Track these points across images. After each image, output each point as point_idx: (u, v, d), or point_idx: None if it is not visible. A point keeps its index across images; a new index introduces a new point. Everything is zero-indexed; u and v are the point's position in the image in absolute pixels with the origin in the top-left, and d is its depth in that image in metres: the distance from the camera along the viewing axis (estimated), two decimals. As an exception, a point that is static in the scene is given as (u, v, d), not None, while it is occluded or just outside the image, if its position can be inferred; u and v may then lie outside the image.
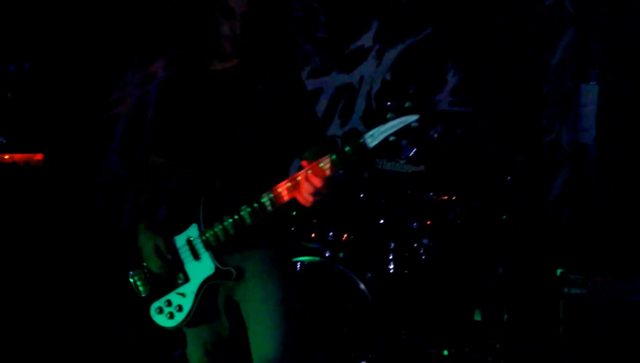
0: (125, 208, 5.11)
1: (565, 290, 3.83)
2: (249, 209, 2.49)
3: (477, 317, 4.06)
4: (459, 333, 4.07)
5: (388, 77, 5.18)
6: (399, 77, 5.16)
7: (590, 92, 4.75)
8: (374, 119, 2.32)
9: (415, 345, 4.01)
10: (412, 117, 2.29)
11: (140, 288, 2.66)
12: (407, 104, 2.30)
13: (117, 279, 2.82)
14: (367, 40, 5.23)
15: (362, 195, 4.08)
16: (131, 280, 2.67)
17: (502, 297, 3.91)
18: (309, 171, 2.38)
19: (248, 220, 2.50)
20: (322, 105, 5.24)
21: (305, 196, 2.40)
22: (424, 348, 4.04)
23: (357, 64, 5.25)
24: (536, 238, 4.55)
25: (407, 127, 2.29)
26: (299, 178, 2.40)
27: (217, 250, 2.56)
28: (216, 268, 2.56)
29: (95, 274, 4.47)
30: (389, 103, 2.31)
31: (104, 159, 5.25)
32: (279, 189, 2.45)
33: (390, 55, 5.19)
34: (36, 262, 4.29)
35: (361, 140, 2.31)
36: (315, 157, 2.43)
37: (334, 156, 2.36)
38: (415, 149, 4.02)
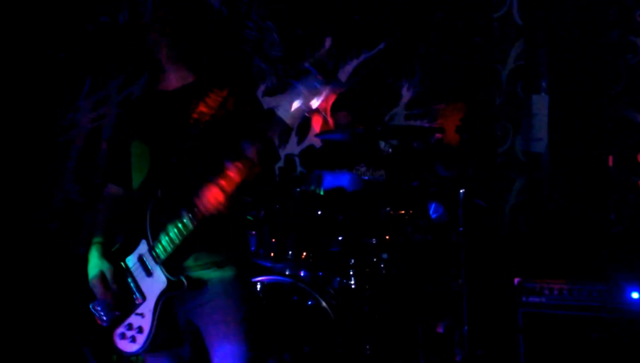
0: (80, 234, 5.05)
1: (524, 298, 3.88)
2: (188, 212, 2.48)
3: (439, 329, 4.08)
4: (421, 346, 4.08)
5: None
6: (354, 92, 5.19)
7: (541, 103, 4.83)
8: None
9: (378, 360, 4.01)
10: (310, 76, 2.27)
11: (105, 317, 2.62)
12: (307, 69, 2.27)
13: (74, 308, 2.78)
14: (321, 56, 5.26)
15: (319, 212, 4.08)
16: (93, 310, 2.64)
17: (462, 308, 3.94)
18: (237, 162, 2.41)
19: (189, 224, 2.49)
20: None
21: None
22: (387, 363, 4.05)
23: (312, 81, 5.26)
24: (494, 248, 4.60)
25: (311, 86, 2.26)
26: (229, 170, 2.43)
27: (167, 263, 2.54)
28: (167, 280, 2.53)
29: (51, 303, 4.39)
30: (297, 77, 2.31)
31: (58, 184, 5.18)
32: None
33: (345, 71, 5.23)
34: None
35: (273, 114, 2.33)
36: None
37: (256, 141, 2.38)
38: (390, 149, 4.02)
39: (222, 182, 2.44)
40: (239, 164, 2.42)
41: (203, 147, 2.61)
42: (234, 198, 2.46)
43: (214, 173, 2.47)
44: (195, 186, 2.50)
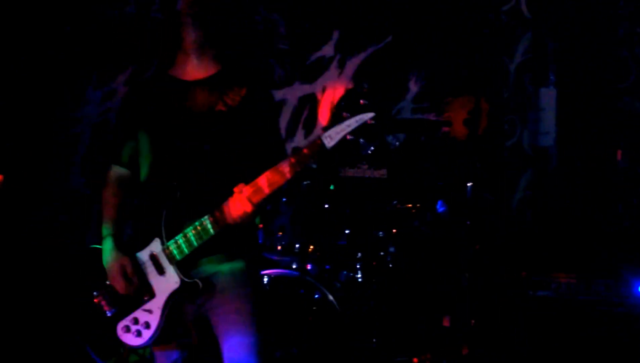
0: (89, 226, 5.06)
1: (530, 292, 3.87)
2: (211, 218, 2.48)
3: (445, 323, 4.08)
4: (427, 340, 4.09)
5: (350, 86, 5.20)
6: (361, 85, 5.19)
7: (549, 96, 4.82)
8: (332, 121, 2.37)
9: (385, 353, 4.01)
10: (368, 115, 2.33)
11: (106, 308, 2.63)
12: (361, 102, 2.33)
13: (81, 299, 2.78)
14: (328, 50, 5.26)
15: (327, 206, 4.09)
16: (96, 300, 2.64)
17: (469, 302, 3.94)
18: (269, 175, 2.41)
19: (211, 230, 2.49)
20: (285, 116, 5.25)
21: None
22: (394, 356, 4.05)
23: (319, 74, 5.26)
24: (501, 242, 4.59)
25: (364, 125, 2.33)
26: (260, 182, 2.42)
27: (182, 263, 2.54)
28: (182, 281, 2.53)
29: (59, 295, 4.40)
30: (343, 102, 2.36)
31: (66, 178, 5.20)
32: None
33: (352, 64, 5.22)
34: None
35: (319, 141, 2.34)
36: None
37: (292, 159, 2.38)
38: (372, 147, 4.03)
39: (251, 193, 2.44)
40: (273, 178, 2.42)
41: (228, 149, 2.60)
42: (260, 208, 2.47)
43: (242, 181, 2.47)
44: (221, 192, 2.49)
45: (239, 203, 2.43)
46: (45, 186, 5.09)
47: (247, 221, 2.47)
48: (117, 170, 2.72)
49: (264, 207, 2.56)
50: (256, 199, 2.43)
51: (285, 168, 2.40)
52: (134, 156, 2.69)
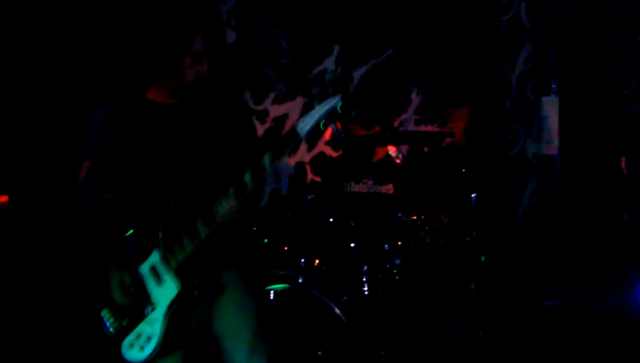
0: (94, 245, 5.07)
1: (538, 302, 3.86)
2: (199, 220, 2.54)
3: (454, 334, 4.07)
4: (436, 352, 4.07)
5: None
6: (364, 98, 5.20)
7: (551, 105, 4.82)
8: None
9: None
10: (334, 99, 2.39)
11: (114, 326, 2.65)
12: (330, 90, 2.40)
13: (88, 319, 2.80)
14: (330, 63, 5.27)
15: (331, 219, 4.09)
16: (104, 320, 2.67)
17: (477, 313, 3.93)
18: (249, 169, 2.47)
19: (201, 232, 2.54)
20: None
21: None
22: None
23: (322, 87, 5.27)
24: (507, 252, 4.58)
25: (334, 110, 2.38)
26: (243, 177, 2.49)
27: (179, 271, 2.58)
28: (179, 287, 2.58)
29: (65, 315, 4.41)
30: (313, 91, 2.42)
31: (71, 197, 5.21)
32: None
33: (354, 77, 5.23)
34: (3, 303, 4.24)
35: (292, 130, 2.41)
36: None
37: (270, 152, 2.45)
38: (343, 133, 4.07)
39: (237, 194, 2.49)
40: (253, 170, 2.48)
41: (213, 162, 2.67)
42: (247, 207, 2.52)
43: (229, 184, 2.52)
44: (209, 198, 2.54)
45: (224, 200, 2.49)
46: (50, 205, 5.10)
47: (236, 218, 2.52)
48: (110, 194, 2.80)
49: (253, 207, 2.62)
50: (240, 193, 2.48)
51: (265, 161, 2.46)
52: (124, 179, 2.76)
